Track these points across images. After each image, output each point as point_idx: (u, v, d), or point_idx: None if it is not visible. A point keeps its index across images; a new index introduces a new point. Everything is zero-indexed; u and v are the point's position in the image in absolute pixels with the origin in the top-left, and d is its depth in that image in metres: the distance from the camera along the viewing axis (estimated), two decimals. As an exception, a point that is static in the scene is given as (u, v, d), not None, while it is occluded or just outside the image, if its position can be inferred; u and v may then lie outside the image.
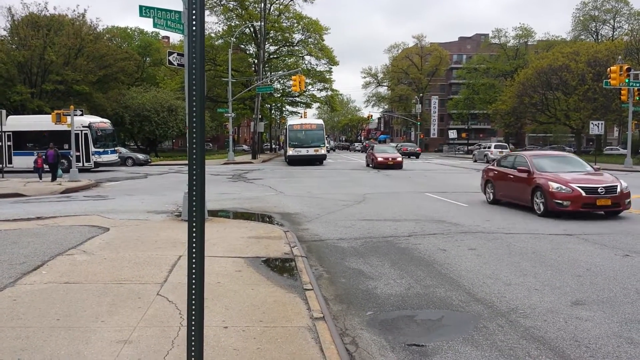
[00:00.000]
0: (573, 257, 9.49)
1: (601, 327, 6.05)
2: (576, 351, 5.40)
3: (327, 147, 46.66)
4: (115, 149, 38.20)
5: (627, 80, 35.50)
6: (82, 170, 30.93)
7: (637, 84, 36.84)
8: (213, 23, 61.76)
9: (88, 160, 34.21)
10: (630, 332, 5.91)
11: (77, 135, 31.44)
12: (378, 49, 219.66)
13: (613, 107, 49.55)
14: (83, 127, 33.60)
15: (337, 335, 5.63)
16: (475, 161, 52.19)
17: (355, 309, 6.82)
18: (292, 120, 48.16)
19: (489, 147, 53.15)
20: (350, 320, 6.42)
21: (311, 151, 42.36)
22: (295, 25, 64.04)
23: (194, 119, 3.51)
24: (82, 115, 31.78)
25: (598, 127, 38.85)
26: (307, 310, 6.30)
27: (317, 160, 43.17)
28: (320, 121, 47.21)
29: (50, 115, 29.44)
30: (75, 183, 24.03)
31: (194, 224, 3.57)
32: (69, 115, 27.28)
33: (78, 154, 32.11)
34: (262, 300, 6.70)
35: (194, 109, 3.50)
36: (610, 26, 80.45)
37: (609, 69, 37.27)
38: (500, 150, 48.75)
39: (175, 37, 79.85)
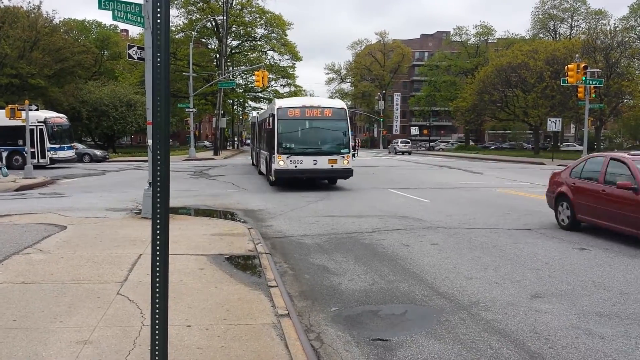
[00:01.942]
0: (532, 251, 9.71)
1: (560, 319, 6.21)
2: (536, 343, 5.53)
3: (353, 153, 21.92)
4: (72, 145, 37.13)
5: (583, 78, 36.48)
6: (37, 167, 30.04)
7: (594, 82, 37.92)
8: (174, 16, 60.66)
9: (43, 156, 33.22)
10: (588, 323, 6.08)
11: (32, 130, 30.45)
12: (343, 45, 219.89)
13: (570, 105, 50.89)
14: (38, 122, 32.58)
15: (302, 332, 5.62)
16: (389, 153, 67.94)
17: (320, 305, 6.81)
18: (285, 101, 23.00)
19: (397, 142, 69.86)
20: (315, 316, 6.42)
21: (324, 162, 20.22)
22: (258, 19, 63.69)
23: (158, 115, 3.43)
24: (37, 110, 30.74)
25: (555, 124, 39.89)
26: (272, 308, 6.26)
27: (334, 179, 22.29)
28: (340, 103, 23.00)
29: (4, 110, 28.48)
30: (30, 180, 23.31)
31: (158, 221, 3.50)
32: (24, 110, 26.41)
33: (33, 150, 31.13)
34: (226, 298, 6.63)
35: (159, 104, 3.42)
36: (568, 25, 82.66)
37: (566, 67, 38.19)
38: (404, 144, 67.67)
39: (135, 31, 78.58)
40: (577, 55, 45.38)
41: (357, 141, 23.14)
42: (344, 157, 20.01)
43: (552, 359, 5.16)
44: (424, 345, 5.50)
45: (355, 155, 21.41)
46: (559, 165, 33.35)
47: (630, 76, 51.15)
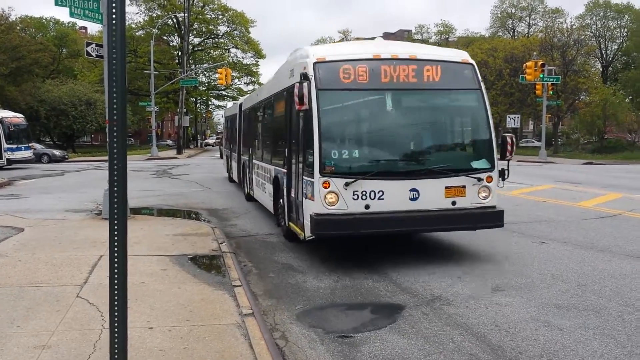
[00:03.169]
0: (492, 246, 9.90)
1: (520, 312, 6.35)
2: (497, 336, 5.64)
3: (504, 170, 8.80)
4: (30, 145, 36.08)
5: (541, 76, 37.34)
6: (-7, 167, 29.13)
7: (551, 79, 38.84)
8: (134, 13, 59.82)
9: (0, 157, 32.26)
10: (547, 315, 6.23)
11: (-13, 130, 29.57)
12: (307, 42, 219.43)
13: (528, 102, 51.98)
14: (-6, 122, 31.65)
15: (267, 331, 5.60)
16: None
17: (284, 304, 6.80)
18: (328, 48, 9.72)
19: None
20: (280, 315, 6.40)
21: (434, 194, 8.40)
22: (220, 17, 63.16)
23: (115, 112, 3.37)
24: (-8, 109, 29.90)
25: (514, 120, 40.66)
26: (236, 307, 6.22)
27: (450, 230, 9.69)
28: (459, 53, 9.37)
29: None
30: (-15, 181, 22.58)
31: (116, 221, 3.44)
32: (-22, 109, 25.59)
33: (-11, 150, 30.22)
34: (189, 298, 6.56)
35: (115, 102, 3.36)
36: (526, 23, 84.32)
37: (524, 64, 39.05)
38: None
39: (94, 28, 76.70)
40: (535, 53, 46.45)
41: (508, 140, 8.86)
42: (480, 180, 8.62)
43: (513, 351, 5.27)
44: (388, 340, 5.55)
45: (506, 175, 8.97)
46: (518, 161, 34.08)
47: (586, 73, 52.50)
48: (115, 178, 3.42)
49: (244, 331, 5.45)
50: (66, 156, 42.78)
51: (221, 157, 33.05)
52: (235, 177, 19.75)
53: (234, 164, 19.59)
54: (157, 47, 54.84)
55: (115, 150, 3.41)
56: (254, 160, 14.71)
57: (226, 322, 5.74)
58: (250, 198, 15.79)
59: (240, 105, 18.75)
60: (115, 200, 3.43)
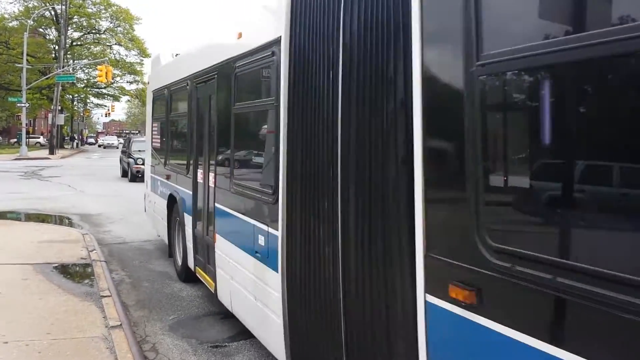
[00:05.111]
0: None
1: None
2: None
3: None
4: None
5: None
6: None
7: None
8: (7, 2, 55.35)
9: None
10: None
11: None
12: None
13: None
14: None
15: (135, 343, 5.35)
16: None
17: (158, 314, 6.57)
18: None
19: None
20: (152, 326, 6.17)
21: None
22: (103, 11, 60.18)
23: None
24: None
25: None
26: (103, 319, 5.90)
27: None
28: None
29: None
30: None
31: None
32: None
33: None
34: (52, 310, 6.13)
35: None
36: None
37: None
38: None
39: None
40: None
41: None
42: None
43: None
44: (263, 348, 5.53)
45: None
46: None
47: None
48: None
49: (110, 344, 5.18)
50: None
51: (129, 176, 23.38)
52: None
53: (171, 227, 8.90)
54: (32, 39, 51.04)
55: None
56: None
57: (91, 334, 5.43)
58: None
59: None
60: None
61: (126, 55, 63.72)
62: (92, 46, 64.50)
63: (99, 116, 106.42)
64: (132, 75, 65.91)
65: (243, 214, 5.14)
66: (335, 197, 3.45)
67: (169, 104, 8.83)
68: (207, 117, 6.64)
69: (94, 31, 62.09)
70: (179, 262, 8.06)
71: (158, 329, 6.08)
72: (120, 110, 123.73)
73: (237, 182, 5.39)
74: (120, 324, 5.71)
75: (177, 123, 8.76)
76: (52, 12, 55.83)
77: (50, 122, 54.26)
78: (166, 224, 8.64)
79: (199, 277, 6.91)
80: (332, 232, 3.50)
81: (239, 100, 5.50)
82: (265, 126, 4.94)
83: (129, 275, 8.33)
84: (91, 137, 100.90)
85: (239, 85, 5.49)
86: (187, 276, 7.64)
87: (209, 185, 6.35)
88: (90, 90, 67.98)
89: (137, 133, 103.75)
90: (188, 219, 7.31)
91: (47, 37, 61.89)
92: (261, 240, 4.58)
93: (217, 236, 5.93)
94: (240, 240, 5.24)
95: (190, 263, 7.31)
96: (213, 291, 6.20)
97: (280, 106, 4.15)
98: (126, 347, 5.11)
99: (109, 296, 6.71)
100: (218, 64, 6.04)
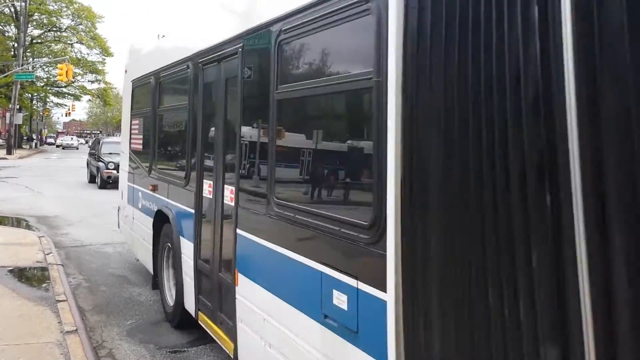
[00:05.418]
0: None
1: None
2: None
3: None
4: None
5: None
6: None
7: None
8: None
9: None
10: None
11: None
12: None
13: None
14: None
15: (91, 349, 5.25)
16: None
17: (115, 319, 6.45)
18: None
19: None
20: (109, 331, 6.06)
21: None
22: (64, 9, 58.90)
23: None
24: None
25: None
26: (59, 324, 5.76)
27: None
28: None
29: None
30: None
31: None
32: None
33: None
34: (5, 315, 5.96)
35: None
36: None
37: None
38: None
39: None
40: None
41: None
42: None
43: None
44: (223, 352, 5.49)
45: None
46: None
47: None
48: None
49: (65, 350, 5.07)
50: None
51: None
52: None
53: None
54: (-11, 36, 49.61)
55: None
56: None
57: (45, 340, 5.30)
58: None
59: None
60: None
61: (88, 54, 62.50)
62: (52, 44, 63.05)
63: (59, 116, 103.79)
64: (94, 75, 64.67)
65: (298, 252, 3.39)
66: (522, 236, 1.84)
67: (157, 94, 7.03)
68: (222, 110, 4.96)
69: (54, 29, 60.67)
70: (170, 301, 6.33)
71: (115, 334, 5.98)
72: (81, 110, 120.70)
73: (283, 204, 3.62)
74: (76, 329, 5.59)
75: (170, 118, 6.88)
76: (12, 9, 54.35)
77: (8, 121, 52.76)
78: (151, 247, 6.94)
79: (205, 327, 5.17)
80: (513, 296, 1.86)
81: (285, 82, 3.70)
82: (346, 116, 3.41)
83: (86, 279, 8.16)
84: (51, 137, 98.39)
85: (284, 59, 3.78)
86: (182, 321, 5.91)
87: (223, 203, 4.72)
88: (50, 89, 66.37)
89: (99, 133, 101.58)
90: (187, 246, 5.59)
91: (6, 35, 60.20)
92: (341, 300, 2.89)
93: (240, 276, 4.21)
94: (289, 291, 3.52)
95: (190, 305, 5.54)
96: (231, 355, 4.44)
97: (388, 83, 2.52)
98: (81, 353, 5.01)
99: (64, 300, 6.55)
100: (245, 32, 4.34)
